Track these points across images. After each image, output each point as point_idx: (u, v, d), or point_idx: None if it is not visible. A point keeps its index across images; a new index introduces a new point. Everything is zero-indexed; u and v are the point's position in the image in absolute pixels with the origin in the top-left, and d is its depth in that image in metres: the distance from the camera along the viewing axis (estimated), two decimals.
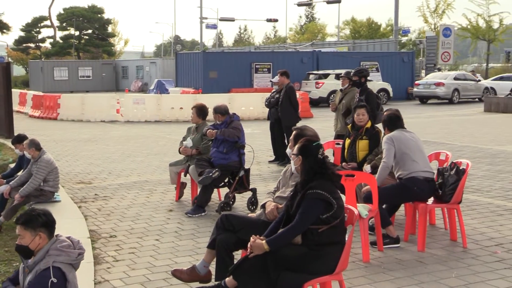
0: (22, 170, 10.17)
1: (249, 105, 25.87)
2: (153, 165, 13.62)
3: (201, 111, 9.89)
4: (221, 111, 9.40)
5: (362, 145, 8.46)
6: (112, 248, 7.40)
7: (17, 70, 77.80)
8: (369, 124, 8.53)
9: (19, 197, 9.21)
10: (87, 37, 76.46)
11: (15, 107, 20.21)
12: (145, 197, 10.21)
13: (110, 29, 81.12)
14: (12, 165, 11.45)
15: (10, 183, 9.64)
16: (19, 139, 10.16)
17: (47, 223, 4.57)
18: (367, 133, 8.48)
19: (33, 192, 9.33)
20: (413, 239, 7.39)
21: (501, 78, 40.89)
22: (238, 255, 5.68)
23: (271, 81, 14.50)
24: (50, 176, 9.53)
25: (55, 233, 4.68)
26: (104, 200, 10.10)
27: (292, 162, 5.44)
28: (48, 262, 4.42)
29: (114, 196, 10.38)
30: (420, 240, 7.11)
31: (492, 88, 37.57)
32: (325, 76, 34.98)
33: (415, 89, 36.97)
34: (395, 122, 7.57)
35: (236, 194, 9.45)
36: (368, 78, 11.85)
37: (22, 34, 77.08)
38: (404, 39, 68.89)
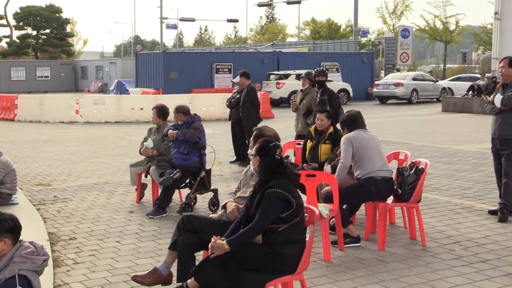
0: None
1: (210, 105, 25.84)
2: (113, 166, 13.51)
3: (161, 111, 9.85)
4: (183, 110, 9.38)
5: (325, 149, 8.51)
6: (72, 250, 7.31)
7: None
8: (331, 129, 8.57)
9: None
10: (45, 36, 75.43)
11: None
12: (105, 199, 10.11)
13: (68, 28, 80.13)
14: None
15: None
16: None
17: (13, 229, 4.43)
18: (330, 138, 8.52)
19: None
20: (373, 238, 7.47)
21: (458, 79, 41.67)
22: (199, 256, 5.67)
23: (232, 81, 14.52)
24: (8, 178, 9.39)
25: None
26: (63, 202, 9.97)
27: (251, 162, 5.47)
28: (14, 270, 4.31)
29: (74, 198, 10.26)
30: (380, 239, 7.20)
31: (449, 88, 38.24)
32: (286, 76, 35.14)
33: (374, 89, 37.40)
34: (354, 122, 7.64)
35: (197, 195, 9.42)
36: (328, 78, 11.96)
37: None
38: (363, 40, 69.61)
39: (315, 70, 11.93)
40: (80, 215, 9.06)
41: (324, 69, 12.10)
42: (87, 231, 8.18)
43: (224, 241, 4.91)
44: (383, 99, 36.90)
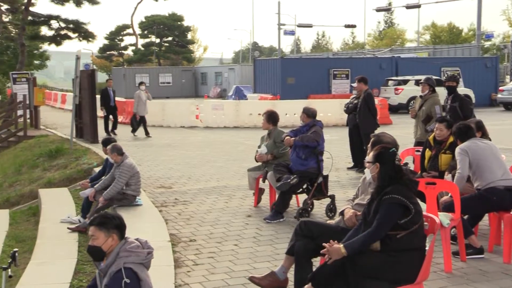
0: (105, 173, 10.49)
1: (327, 111, 25.72)
2: (231, 170, 13.75)
3: (271, 117, 9.90)
4: (307, 111, 9.42)
5: (445, 159, 8.22)
6: (192, 252, 7.51)
7: (101, 77, 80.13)
8: (451, 139, 8.26)
9: (103, 200, 9.50)
10: (167, 44, 78.06)
11: (99, 112, 20.82)
12: (224, 202, 10.32)
13: (189, 36, 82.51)
14: (97, 169, 11.81)
15: (95, 186, 9.96)
16: (104, 143, 10.48)
17: (120, 226, 4.72)
18: (451, 147, 8.20)
19: (116, 195, 9.61)
20: (498, 250, 7.15)
21: None
22: (316, 262, 5.66)
23: (351, 85, 14.38)
24: (132, 180, 9.79)
25: (134, 236, 4.80)
26: (184, 204, 10.26)
27: (367, 169, 5.41)
28: (119, 264, 4.54)
29: (194, 200, 10.54)
30: (506, 251, 6.88)
31: None
32: (405, 82, 34.44)
33: (499, 95, 35.86)
34: (465, 132, 7.38)
35: (314, 201, 9.42)
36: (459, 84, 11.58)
37: (106, 42, 79.57)
38: (487, 44, 67.03)
39: (446, 75, 11.58)
40: (200, 217, 9.30)
41: (455, 74, 11.70)
42: (206, 233, 8.38)
43: (341, 245, 4.89)
44: (509, 106, 35.31)
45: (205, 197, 10.78)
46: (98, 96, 21.13)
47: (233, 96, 43.85)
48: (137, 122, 21.45)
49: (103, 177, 10.50)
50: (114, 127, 21.63)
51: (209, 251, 7.51)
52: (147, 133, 21.13)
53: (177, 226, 8.82)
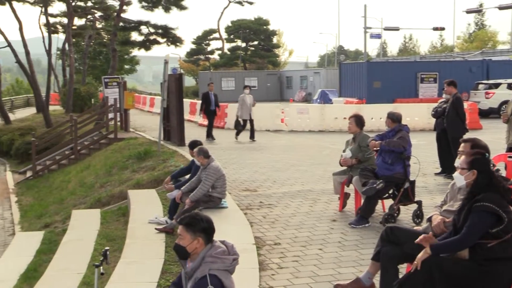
0: (190, 174, 10.68)
1: (414, 115, 25.25)
2: (316, 174, 13.71)
3: (359, 120, 9.80)
4: (392, 116, 9.27)
5: None
6: (277, 255, 7.53)
7: (188, 81, 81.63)
8: None
9: (189, 202, 9.67)
10: (253, 48, 78.67)
11: (186, 116, 21.24)
12: (308, 206, 10.30)
13: (275, 40, 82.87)
14: None
15: (182, 188, 10.15)
16: (191, 145, 10.67)
17: (207, 230, 4.66)
18: None
19: (202, 197, 9.76)
20: None
21: None
22: (403, 268, 5.56)
23: (443, 88, 14.00)
24: (218, 182, 9.92)
25: (220, 238, 4.81)
26: (268, 207, 10.31)
27: (457, 175, 5.25)
28: (204, 270, 4.52)
29: (279, 204, 10.57)
30: None
31: None
32: (496, 85, 33.33)
33: None
34: None
35: (400, 206, 9.26)
36: None
37: (193, 46, 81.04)
38: None
39: None
40: (284, 221, 9.31)
41: None
42: (291, 237, 8.38)
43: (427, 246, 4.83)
44: None
45: (289, 201, 10.79)
46: (185, 100, 21.43)
47: (318, 100, 43.74)
48: (242, 125, 21.32)
49: (186, 176, 10.72)
50: (209, 131, 21.62)
51: (293, 255, 7.52)
52: (251, 136, 20.98)
53: (262, 229, 8.87)
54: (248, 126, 21.26)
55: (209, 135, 21.34)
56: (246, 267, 6.71)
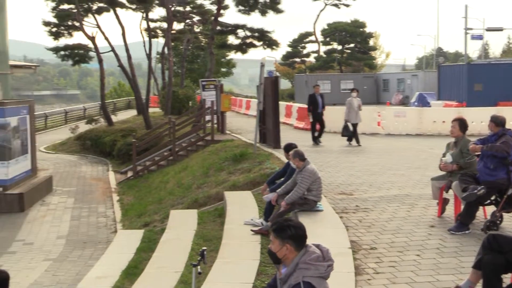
0: (284, 176, 10.72)
1: None
2: (414, 179, 13.43)
3: (462, 124, 9.53)
4: (496, 120, 8.94)
5: None
6: (373, 260, 7.43)
7: (284, 84, 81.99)
8: None
9: (285, 205, 9.70)
10: (349, 51, 78.04)
11: (282, 118, 21.30)
12: (406, 211, 10.10)
13: (371, 42, 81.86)
14: None
15: (277, 190, 10.20)
16: (286, 148, 10.72)
17: (295, 237, 4.61)
18: None
19: (297, 200, 9.77)
20: None
21: None
22: (506, 278, 5.36)
23: None
24: (314, 185, 9.89)
25: (315, 242, 4.77)
26: (364, 212, 10.19)
27: None
28: (298, 277, 4.48)
29: (375, 208, 10.43)
30: None
31: None
32: None
33: None
34: None
35: (504, 213, 8.92)
36: None
37: (289, 49, 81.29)
38: None
39: None
40: (381, 225, 9.18)
41: None
42: (387, 242, 8.25)
43: None
44: None
45: (386, 205, 10.62)
46: (281, 103, 21.38)
47: (415, 103, 42.84)
48: (352, 130, 20.82)
49: (281, 179, 10.76)
50: (319, 135, 21.25)
51: (390, 260, 7.39)
52: (357, 141, 20.55)
53: (357, 233, 8.78)
54: (353, 128, 20.84)
55: (317, 138, 20.91)
56: (342, 271, 6.66)
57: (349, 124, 20.86)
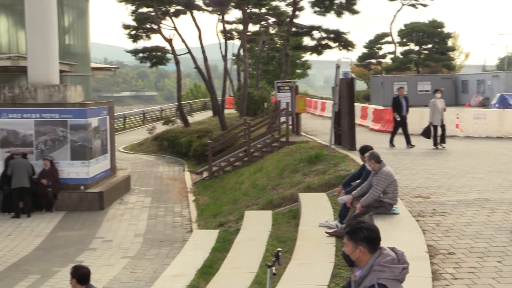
0: (360, 179, 10.63)
1: None
2: (494, 182, 13.03)
3: None
4: None
5: None
6: (451, 265, 7.26)
7: (359, 85, 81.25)
8: None
9: (360, 207, 9.61)
10: (426, 51, 76.55)
11: (357, 120, 21.11)
12: (485, 216, 9.83)
13: (450, 43, 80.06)
14: None
15: (353, 193, 10.11)
16: (362, 150, 10.63)
17: (368, 239, 4.55)
18: None
19: (373, 203, 9.65)
20: None
21: None
22: None
23: None
24: (389, 188, 9.75)
25: (391, 245, 4.69)
26: (442, 215, 9.97)
27: None
28: (373, 279, 4.42)
29: (453, 212, 10.19)
30: None
31: None
32: None
33: None
34: None
35: None
36: None
37: (365, 50, 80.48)
38: None
39: None
40: (459, 230, 8.96)
41: None
42: (466, 247, 8.05)
43: None
44: None
45: (465, 209, 10.36)
46: (356, 104, 21.11)
47: (496, 105, 41.63)
48: (442, 132, 20.13)
49: (356, 181, 10.67)
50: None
51: (469, 266, 7.21)
52: (442, 142, 19.94)
53: (435, 237, 8.60)
54: (439, 131, 20.23)
55: (408, 142, 20.23)
56: (419, 276, 6.54)
57: (432, 127, 20.17)
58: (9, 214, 18.06)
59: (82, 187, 19.15)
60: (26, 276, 12.39)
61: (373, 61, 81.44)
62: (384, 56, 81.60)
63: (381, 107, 30.86)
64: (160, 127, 36.36)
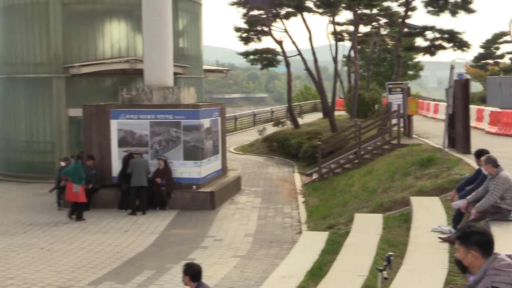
0: (474, 183, 10.28)
1: None
2: None
3: None
4: None
5: None
6: None
7: (475, 87, 78.61)
8: None
9: (475, 213, 9.31)
10: None
11: (472, 123, 20.43)
12: None
13: None
14: None
15: (467, 197, 9.80)
16: (478, 154, 10.30)
17: (480, 243, 4.45)
18: None
19: (489, 208, 9.33)
20: None
21: None
22: None
23: None
24: (507, 194, 9.40)
25: (507, 252, 4.54)
26: None
27: None
28: (487, 283, 4.31)
29: None
30: None
31: None
32: None
33: None
34: None
35: None
36: None
37: (481, 51, 77.73)
38: None
39: None
40: None
41: None
42: None
43: None
44: None
45: None
46: (471, 107, 20.40)
47: None
48: None
49: (471, 186, 10.33)
50: None
51: None
52: None
53: None
54: None
55: None
56: None
57: None
58: (125, 211, 18.84)
59: (194, 187, 19.66)
60: (142, 271, 12.88)
61: (490, 61, 78.43)
62: (502, 56, 78.43)
63: (498, 109, 29.69)
64: (270, 129, 36.69)
